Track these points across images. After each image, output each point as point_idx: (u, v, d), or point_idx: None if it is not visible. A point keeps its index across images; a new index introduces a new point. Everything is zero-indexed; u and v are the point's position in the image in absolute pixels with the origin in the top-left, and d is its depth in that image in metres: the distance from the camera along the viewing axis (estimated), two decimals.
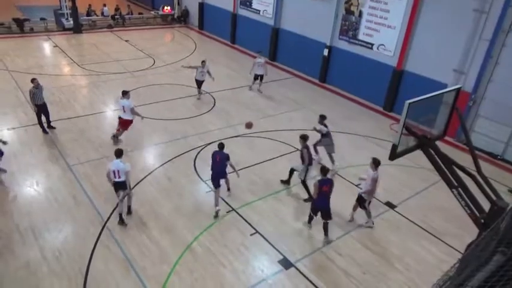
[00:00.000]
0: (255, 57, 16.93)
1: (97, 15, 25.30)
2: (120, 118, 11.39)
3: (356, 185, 10.52)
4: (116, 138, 11.55)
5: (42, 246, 7.72)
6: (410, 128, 6.07)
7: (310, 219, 8.77)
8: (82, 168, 10.20)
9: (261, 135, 12.80)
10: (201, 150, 11.46)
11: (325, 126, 10.83)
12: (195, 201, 9.50)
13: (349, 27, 16.55)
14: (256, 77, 16.21)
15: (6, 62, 17.13)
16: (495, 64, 12.34)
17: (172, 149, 11.45)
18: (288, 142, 12.37)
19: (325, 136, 10.91)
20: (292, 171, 10.04)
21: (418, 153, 6.42)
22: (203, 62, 14.68)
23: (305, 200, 9.69)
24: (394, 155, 6.13)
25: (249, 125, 10.54)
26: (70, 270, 7.21)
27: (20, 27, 21.83)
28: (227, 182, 9.55)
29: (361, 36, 16.16)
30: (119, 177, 8.10)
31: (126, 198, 8.49)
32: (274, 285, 7.32)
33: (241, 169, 10.71)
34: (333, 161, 11.12)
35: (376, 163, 8.45)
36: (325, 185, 8.11)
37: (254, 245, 8.20)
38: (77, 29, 22.50)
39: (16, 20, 21.95)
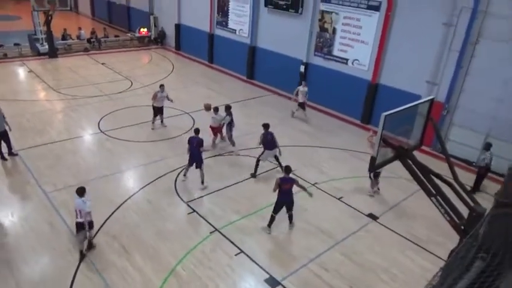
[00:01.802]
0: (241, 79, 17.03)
1: (72, 39, 25.11)
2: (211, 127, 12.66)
3: (338, 199, 10.57)
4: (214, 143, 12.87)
5: (18, 279, 7.39)
6: (387, 139, 6.17)
7: (272, 221, 8.98)
8: (59, 195, 9.90)
9: (242, 153, 12.78)
10: (181, 171, 11.33)
11: (229, 115, 12.82)
12: (177, 223, 9.34)
13: (323, 43, 16.92)
14: (300, 105, 15.71)
15: None
16: (465, 74, 12.78)
17: (152, 172, 11.27)
18: (269, 159, 12.36)
19: (231, 122, 12.98)
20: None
21: (397, 164, 6.51)
22: (161, 86, 13.96)
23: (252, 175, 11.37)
24: (373, 166, 6.21)
25: (207, 107, 12.86)
26: None
27: None
28: (202, 175, 10.54)
29: (336, 52, 16.53)
30: (81, 217, 7.67)
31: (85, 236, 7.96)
32: None
33: (223, 188, 10.66)
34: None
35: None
36: (286, 184, 8.67)
37: (239, 265, 8.07)
38: (52, 53, 22.23)
39: None
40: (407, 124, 6.95)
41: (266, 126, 11.45)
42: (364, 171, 10.19)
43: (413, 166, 6.16)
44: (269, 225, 9.05)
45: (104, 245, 8.31)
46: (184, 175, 10.88)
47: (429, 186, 5.96)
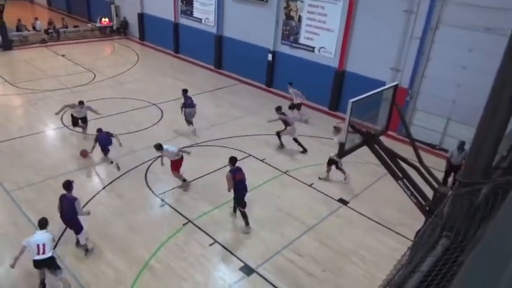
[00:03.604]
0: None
1: (28, 30, 23.88)
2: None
3: (309, 185, 10.76)
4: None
5: None
6: (355, 125, 6.32)
7: (246, 217, 8.72)
8: (22, 194, 9.51)
9: (212, 143, 12.72)
10: (152, 163, 11.15)
11: (187, 98, 13.04)
12: (149, 216, 9.22)
13: (290, 32, 16.97)
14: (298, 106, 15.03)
15: None
16: (427, 60, 13.22)
17: (121, 165, 10.99)
18: (240, 148, 12.38)
19: (189, 107, 13.03)
20: (278, 135, 12.56)
21: (365, 149, 6.69)
22: (81, 102, 12.14)
23: (302, 152, 12.38)
24: (342, 152, 6.35)
25: (83, 154, 11.19)
26: None
27: None
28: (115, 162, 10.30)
29: (302, 40, 16.63)
30: (43, 252, 6.42)
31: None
32: None
33: (193, 180, 10.58)
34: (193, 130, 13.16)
35: (338, 129, 10.30)
36: (237, 174, 8.54)
37: (214, 255, 8.09)
38: (7, 45, 21.06)
39: None
40: (373, 110, 7.14)
41: (279, 108, 12.56)
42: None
43: (380, 151, 6.36)
44: (247, 223, 8.79)
45: (73, 243, 8.07)
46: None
47: (396, 170, 6.18)
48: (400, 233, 9.06)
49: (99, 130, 11.05)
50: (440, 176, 11.07)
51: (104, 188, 10.05)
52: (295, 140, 12.40)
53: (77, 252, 7.87)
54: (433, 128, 13.49)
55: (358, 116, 6.40)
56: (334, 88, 15.94)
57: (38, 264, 6.62)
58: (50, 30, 24.01)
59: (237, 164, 8.81)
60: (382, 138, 7.12)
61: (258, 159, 11.90)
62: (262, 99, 17.21)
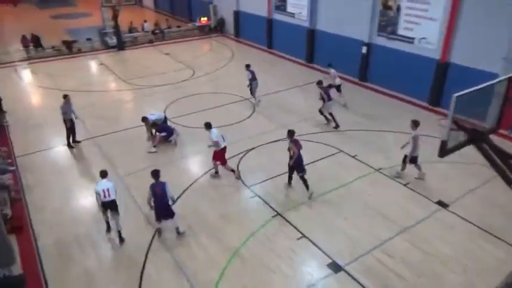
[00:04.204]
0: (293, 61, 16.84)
1: (138, 32, 26.41)
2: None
3: (404, 185, 10.19)
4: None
5: (98, 254, 8.13)
6: (459, 122, 5.80)
7: (306, 184, 9.67)
8: (131, 179, 10.61)
9: (303, 138, 12.69)
10: (243, 156, 11.57)
11: (251, 72, 14.82)
12: (240, 206, 9.61)
13: (387, 22, 16.12)
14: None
15: (58, 81, 18.28)
16: None
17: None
18: (331, 144, 12.20)
19: (253, 80, 14.89)
20: (320, 111, 13.40)
21: (469, 149, 6.11)
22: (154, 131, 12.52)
23: (334, 127, 13.18)
24: (444, 151, 5.88)
25: (153, 140, 12.12)
26: (125, 278, 7.54)
27: (69, 48, 23.24)
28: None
29: (400, 31, 15.68)
30: (109, 195, 8.10)
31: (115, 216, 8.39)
32: None
33: (283, 173, 10.69)
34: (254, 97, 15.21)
35: (415, 124, 9.89)
36: (298, 144, 9.58)
37: (302, 249, 8.14)
38: (121, 46, 23.60)
39: (65, 42, 23.42)
40: (482, 105, 6.47)
41: (320, 82, 13.32)
42: (433, 156, 9.71)
43: (489, 151, 5.76)
44: (307, 187, 9.67)
45: (167, 228, 8.69)
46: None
47: (508, 172, 5.55)
48: (510, 243, 8.10)
49: (156, 124, 12.46)
50: None
51: (199, 177, 10.72)
52: (331, 114, 13.21)
53: (173, 234, 8.52)
54: None
55: (463, 111, 5.86)
56: (436, 81, 14.75)
57: (104, 204, 8.19)
58: (156, 31, 26.27)
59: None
60: (491, 136, 6.42)
61: (350, 155, 11.60)
62: (355, 94, 16.65)
